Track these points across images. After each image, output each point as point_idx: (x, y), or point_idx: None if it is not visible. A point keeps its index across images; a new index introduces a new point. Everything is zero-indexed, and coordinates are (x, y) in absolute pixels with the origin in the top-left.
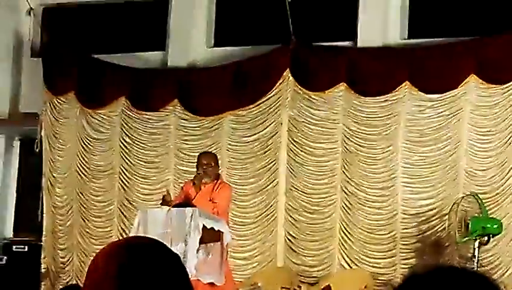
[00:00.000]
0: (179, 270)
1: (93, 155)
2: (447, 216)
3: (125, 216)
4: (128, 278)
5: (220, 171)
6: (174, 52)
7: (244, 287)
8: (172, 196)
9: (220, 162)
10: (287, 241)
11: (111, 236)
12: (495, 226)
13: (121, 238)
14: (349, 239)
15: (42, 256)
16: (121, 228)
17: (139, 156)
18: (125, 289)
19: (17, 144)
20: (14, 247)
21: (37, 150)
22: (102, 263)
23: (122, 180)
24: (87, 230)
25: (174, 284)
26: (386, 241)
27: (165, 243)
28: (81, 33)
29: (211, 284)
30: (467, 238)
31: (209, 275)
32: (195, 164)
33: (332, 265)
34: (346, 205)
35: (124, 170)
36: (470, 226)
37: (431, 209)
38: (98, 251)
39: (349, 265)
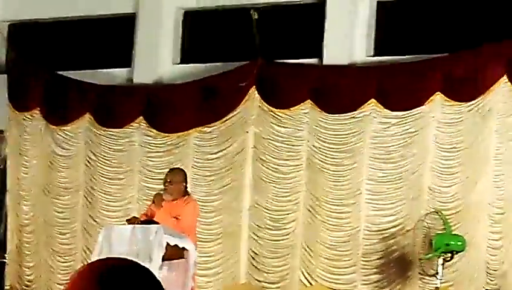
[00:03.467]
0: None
1: (58, 172)
2: (410, 233)
3: (88, 233)
4: None
5: (187, 188)
6: (140, 69)
7: None
8: (138, 214)
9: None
10: (250, 258)
11: (75, 253)
12: (459, 243)
13: (84, 255)
14: (311, 255)
15: (6, 273)
16: (85, 245)
17: (104, 173)
18: None
19: None
20: None
21: (1, 167)
22: (81, 283)
23: (86, 197)
24: (53, 247)
25: None
26: (347, 257)
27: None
28: (47, 49)
29: None
30: (430, 255)
31: None
32: (161, 180)
33: (293, 281)
34: (309, 222)
35: (88, 186)
36: (433, 243)
37: (394, 226)
38: (64, 268)
39: (309, 282)
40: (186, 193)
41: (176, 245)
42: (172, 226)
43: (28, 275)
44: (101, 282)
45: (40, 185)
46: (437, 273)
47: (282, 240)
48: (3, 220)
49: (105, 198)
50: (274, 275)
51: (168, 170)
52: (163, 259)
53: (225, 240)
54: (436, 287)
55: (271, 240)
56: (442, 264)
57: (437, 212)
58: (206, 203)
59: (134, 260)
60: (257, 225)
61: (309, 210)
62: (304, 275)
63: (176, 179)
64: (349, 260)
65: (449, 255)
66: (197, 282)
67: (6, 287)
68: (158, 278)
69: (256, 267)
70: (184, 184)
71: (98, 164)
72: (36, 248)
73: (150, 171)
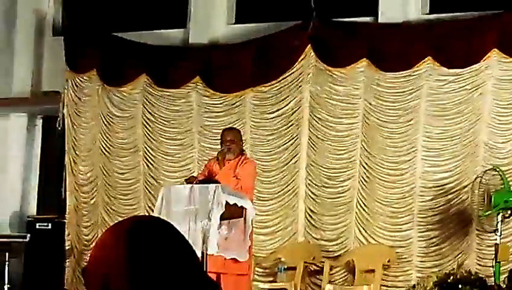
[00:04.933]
0: (186, 247)
1: (116, 133)
2: (466, 189)
3: (151, 193)
4: (138, 254)
5: (243, 147)
6: (195, 30)
7: (267, 263)
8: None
9: (243, 138)
10: (308, 216)
11: (138, 213)
12: None
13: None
14: (367, 213)
15: (66, 233)
16: (147, 205)
17: (163, 134)
18: (136, 266)
19: (39, 122)
20: (37, 225)
21: (60, 128)
22: (110, 241)
23: (146, 158)
24: (113, 207)
25: (182, 261)
26: (403, 214)
27: (188, 219)
28: (102, 11)
29: (233, 259)
30: (489, 212)
31: (232, 251)
32: (219, 140)
33: (349, 239)
34: (364, 179)
35: (147, 147)
36: (492, 200)
37: (450, 182)
38: None
39: (366, 239)
40: (242, 152)
41: (234, 204)
42: (233, 185)
43: (85, 235)
44: (127, 239)
45: (98, 146)
46: (496, 230)
47: (339, 197)
48: (63, 181)
49: (166, 159)
50: (331, 233)
51: (223, 129)
52: (222, 218)
53: (283, 199)
54: (496, 244)
55: (327, 198)
56: (502, 221)
57: (495, 169)
58: (264, 163)
59: (190, 220)
60: (314, 183)
61: (365, 168)
62: (360, 232)
63: (236, 138)
64: (405, 217)
65: (508, 211)
66: (256, 240)
67: (67, 247)
68: (182, 233)
69: (313, 225)
70: (241, 143)
71: (157, 125)
72: (94, 207)
73: (208, 131)
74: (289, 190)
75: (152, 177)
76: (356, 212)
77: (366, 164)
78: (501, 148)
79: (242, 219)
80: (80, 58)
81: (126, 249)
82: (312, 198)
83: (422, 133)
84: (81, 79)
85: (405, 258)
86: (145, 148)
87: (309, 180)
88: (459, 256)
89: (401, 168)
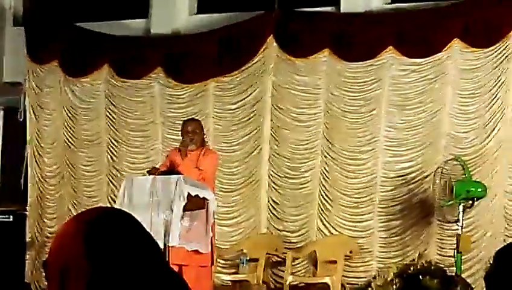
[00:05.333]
0: (147, 238)
1: (80, 125)
2: (428, 179)
3: (114, 185)
4: (97, 245)
5: (205, 138)
6: (158, 20)
7: (229, 254)
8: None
9: (205, 128)
10: (270, 207)
11: (102, 206)
12: (479, 189)
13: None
14: (329, 203)
15: (27, 226)
16: (110, 197)
17: (126, 125)
18: (95, 258)
19: (0, 113)
20: None
21: (21, 120)
22: (70, 232)
23: (110, 150)
24: (78, 200)
25: (143, 252)
26: (364, 204)
27: (150, 210)
28: (64, 1)
29: (195, 251)
30: (451, 202)
31: (194, 242)
32: (180, 131)
33: (312, 230)
34: (326, 170)
35: (111, 139)
36: (454, 189)
37: (412, 172)
38: None
39: (328, 229)
40: (203, 143)
41: (196, 195)
42: (195, 177)
43: (50, 227)
44: (87, 230)
45: (62, 138)
46: (458, 220)
47: (301, 188)
48: (24, 173)
49: (129, 150)
50: (293, 224)
51: (183, 120)
52: (184, 209)
53: (246, 190)
54: (457, 234)
55: (290, 189)
56: (463, 211)
57: (457, 159)
58: (227, 153)
59: (152, 211)
60: (277, 174)
61: (327, 158)
62: (322, 223)
63: (197, 128)
64: (366, 207)
65: (470, 202)
66: (219, 232)
67: (28, 240)
68: (144, 225)
69: (276, 216)
70: (203, 134)
71: (120, 116)
72: (59, 200)
73: (171, 122)
74: (252, 181)
75: (116, 168)
76: (318, 203)
77: (328, 154)
78: (463, 138)
79: (204, 210)
80: (41, 49)
81: (85, 241)
82: (275, 189)
83: (385, 123)
84: (43, 70)
85: (366, 248)
86: (109, 139)
87: (272, 171)
88: (420, 246)
89: (363, 158)
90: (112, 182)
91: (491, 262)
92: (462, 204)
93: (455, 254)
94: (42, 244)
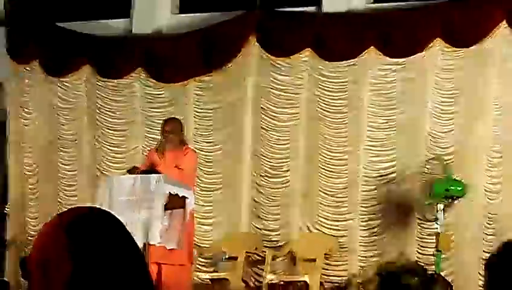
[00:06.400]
0: (126, 237)
1: (61, 124)
2: (409, 178)
3: (95, 184)
4: (78, 244)
5: (185, 138)
6: (139, 20)
7: (209, 253)
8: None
9: (185, 128)
10: (251, 206)
11: (84, 205)
12: (459, 188)
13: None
14: (309, 202)
15: (8, 225)
16: (91, 197)
17: (107, 125)
18: (76, 256)
19: None
20: None
21: (2, 119)
22: (51, 231)
23: (91, 149)
24: (59, 199)
25: (122, 250)
26: (345, 203)
27: (131, 209)
28: (45, 1)
29: (174, 250)
30: (430, 201)
31: (172, 241)
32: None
33: (293, 229)
34: (308, 169)
35: (93, 138)
36: (433, 189)
37: (393, 172)
38: None
39: (308, 229)
40: (183, 142)
41: (176, 194)
42: (175, 176)
43: (33, 226)
44: (68, 231)
45: (43, 137)
46: (437, 218)
47: (282, 188)
48: (2, 171)
49: (111, 150)
50: (274, 223)
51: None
52: (165, 208)
53: (227, 189)
54: (437, 233)
55: (271, 188)
56: (443, 209)
57: (438, 158)
58: (208, 153)
59: (132, 210)
60: (257, 174)
61: (308, 157)
62: (303, 222)
63: (176, 128)
64: (347, 206)
65: (449, 200)
66: (200, 231)
67: (8, 238)
68: (124, 223)
69: (257, 215)
70: (182, 133)
71: (101, 116)
72: (41, 199)
73: (152, 122)
74: (233, 181)
75: (97, 168)
76: (299, 202)
77: (310, 153)
78: (444, 138)
79: (183, 209)
80: (22, 49)
81: (67, 237)
82: (256, 188)
83: (366, 123)
84: (24, 70)
85: (347, 247)
86: (90, 139)
87: (253, 170)
88: (400, 245)
89: (344, 158)
90: (92, 181)
91: (497, 252)
92: (442, 203)
93: (435, 252)
94: (23, 243)
